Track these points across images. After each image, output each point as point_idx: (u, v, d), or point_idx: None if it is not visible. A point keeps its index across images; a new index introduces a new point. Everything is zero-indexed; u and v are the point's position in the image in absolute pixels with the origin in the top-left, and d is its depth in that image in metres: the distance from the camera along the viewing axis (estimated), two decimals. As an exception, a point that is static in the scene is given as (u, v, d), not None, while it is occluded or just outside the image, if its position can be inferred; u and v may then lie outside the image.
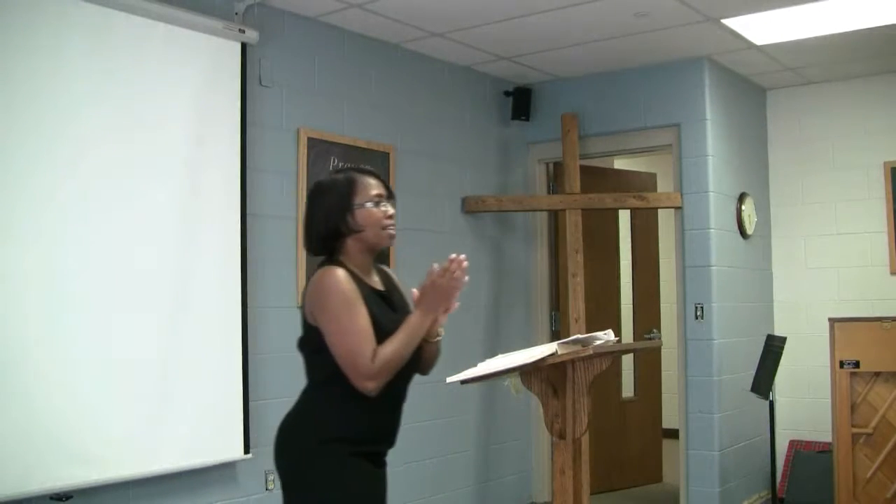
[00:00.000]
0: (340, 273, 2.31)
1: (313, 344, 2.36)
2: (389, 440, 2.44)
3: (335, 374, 2.30)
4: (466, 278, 2.34)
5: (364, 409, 2.31)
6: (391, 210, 2.42)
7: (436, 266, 2.34)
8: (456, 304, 2.36)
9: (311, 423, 2.37)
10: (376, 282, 2.46)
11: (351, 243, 2.39)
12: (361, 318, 2.27)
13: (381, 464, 2.43)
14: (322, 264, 2.38)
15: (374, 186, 2.41)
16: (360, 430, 2.34)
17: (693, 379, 5.33)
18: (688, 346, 5.37)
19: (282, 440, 2.41)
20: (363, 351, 2.24)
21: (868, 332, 4.64)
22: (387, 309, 2.40)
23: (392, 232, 2.42)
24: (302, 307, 2.41)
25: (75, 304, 3.40)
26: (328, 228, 2.38)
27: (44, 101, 3.35)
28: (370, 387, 2.25)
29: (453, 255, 2.32)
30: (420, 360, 2.42)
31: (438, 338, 2.43)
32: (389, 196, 2.45)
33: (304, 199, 4.39)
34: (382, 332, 2.30)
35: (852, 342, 4.65)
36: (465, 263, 2.34)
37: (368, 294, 2.35)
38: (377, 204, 2.39)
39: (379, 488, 2.41)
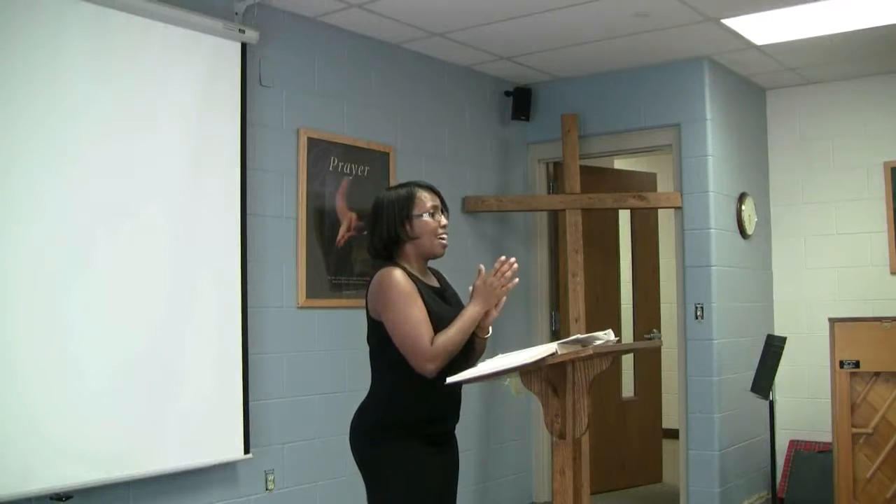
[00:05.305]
0: (397, 272, 2.62)
1: (377, 337, 2.67)
2: (445, 422, 2.72)
3: (394, 365, 2.61)
4: (517, 280, 2.65)
5: (419, 397, 2.61)
6: (444, 221, 2.74)
7: (482, 267, 2.68)
8: (503, 300, 2.67)
9: (373, 408, 2.70)
10: (432, 280, 2.79)
11: (409, 249, 2.71)
12: (419, 309, 2.58)
13: (441, 442, 2.70)
14: (380, 266, 2.69)
15: (430, 199, 2.73)
16: (415, 414, 2.63)
17: (693, 379, 5.33)
18: (688, 346, 5.37)
19: (352, 425, 2.73)
20: (423, 336, 2.54)
21: (868, 332, 4.63)
22: (442, 303, 2.71)
23: (444, 240, 2.73)
24: (365, 306, 2.70)
25: (75, 304, 3.40)
26: (389, 235, 2.69)
27: (43, 101, 3.35)
28: (430, 368, 2.54)
29: (503, 258, 2.65)
30: (472, 352, 2.72)
31: (488, 335, 2.72)
32: (444, 208, 2.76)
33: (305, 200, 4.44)
34: (439, 322, 2.60)
35: (852, 342, 4.65)
36: (516, 266, 2.64)
37: (425, 290, 2.66)
38: (432, 215, 2.70)
39: (432, 466, 2.66)
